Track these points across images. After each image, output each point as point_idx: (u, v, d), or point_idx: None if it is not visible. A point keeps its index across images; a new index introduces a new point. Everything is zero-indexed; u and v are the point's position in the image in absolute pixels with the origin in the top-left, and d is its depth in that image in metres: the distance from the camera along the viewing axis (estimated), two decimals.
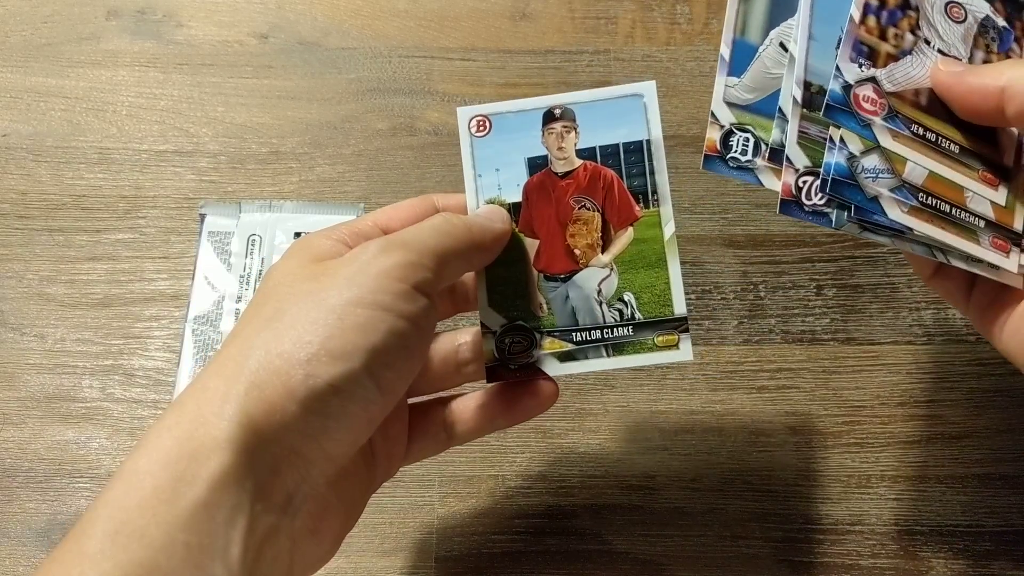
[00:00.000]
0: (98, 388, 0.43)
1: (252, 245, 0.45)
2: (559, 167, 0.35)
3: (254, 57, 0.50)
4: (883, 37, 0.33)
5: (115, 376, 0.43)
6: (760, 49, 0.33)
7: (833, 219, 0.31)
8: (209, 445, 0.24)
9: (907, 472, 0.41)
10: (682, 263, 0.34)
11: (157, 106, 0.49)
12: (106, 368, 0.43)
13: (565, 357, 0.34)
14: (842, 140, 0.31)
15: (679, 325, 0.34)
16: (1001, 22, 0.35)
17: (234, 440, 0.24)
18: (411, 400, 0.35)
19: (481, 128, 0.35)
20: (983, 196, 0.32)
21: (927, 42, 0.33)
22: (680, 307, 0.34)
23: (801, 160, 0.32)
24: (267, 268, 0.44)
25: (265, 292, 0.29)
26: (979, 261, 0.32)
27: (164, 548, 0.23)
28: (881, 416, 0.42)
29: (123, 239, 0.46)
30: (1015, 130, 0.33)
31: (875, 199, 0.31)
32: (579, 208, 0.35)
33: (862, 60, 0.32)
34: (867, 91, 0.32)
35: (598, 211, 0.35)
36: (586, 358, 0.34)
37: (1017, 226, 0.33)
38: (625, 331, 0.34)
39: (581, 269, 0.34)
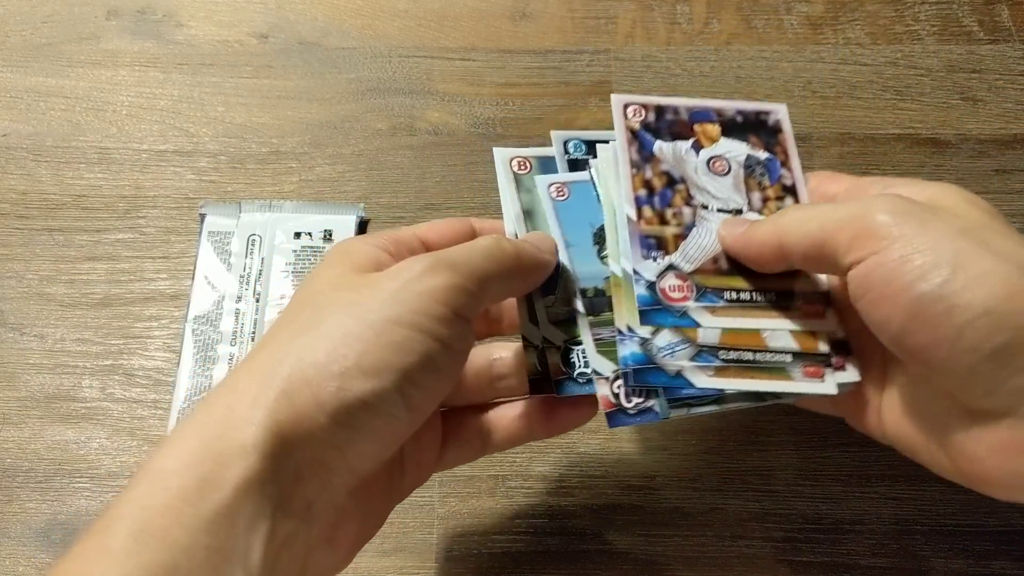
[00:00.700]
0: (98, 388, 0.43)
1: (252, 245, 0.45)
2: None
3: (254, 57, 0.50)
4: (663, 221, 0.33)
5: (115, 376, 0.43)
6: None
7: (659, 410, 0.31)
8: (236, 449, 0.24)
9: (907, 472, 0.41)
10: None
11: (157, 106, 0.49)
12: (106, 368, 0.43)
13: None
14: (628, 328, 0.31)
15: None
16: (762, 155, 0.35)
17: (261, 446, 0.24)
18: (444, 408, 0.35)
19: (560, 194, 0.35)
20: (779, 329, 0.32)
21: (704, 207, 0.33)
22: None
23: (607, 367, 0.31)
24: (265, 266, 0.44)
25: (304, 298, 0.29)
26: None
27: (186, 551, 0.23)
28: None
29: (123, 239, 0.46)
30: None
31: (679, 374, 0.31)
32: None
33: (654, 253, 0.32)
34: (670, 280, 0.32)
35: None
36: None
37: (823, 348, 0.32)
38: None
39: None
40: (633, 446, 0.42)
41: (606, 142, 0.35)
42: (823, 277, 0.33)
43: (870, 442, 0.32)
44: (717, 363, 0.31)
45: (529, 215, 0.35)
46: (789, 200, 0.34)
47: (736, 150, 0.35)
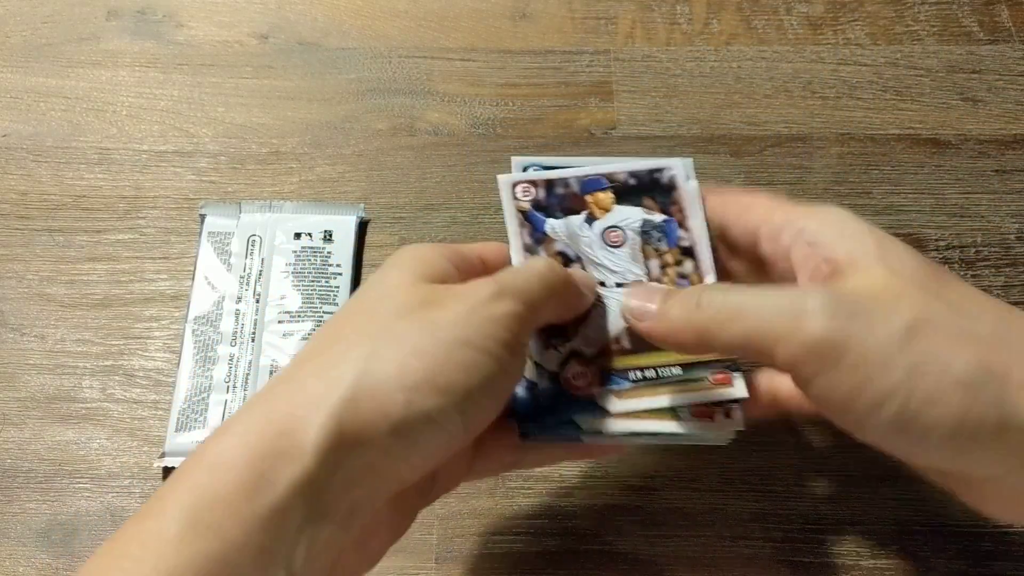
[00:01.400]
0: (98, 388, 0.43)
1: (252, 245, 0.45)
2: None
3: (254, 57, 0.50)
4: None
5: (115, 376, 0.43)
6: None
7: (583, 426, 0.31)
8: (296, 449, 0.25)
9: (907, 472, 0.41)
10: None
11: (157, 106, 0.49)
12: (106, 368, 0.43)
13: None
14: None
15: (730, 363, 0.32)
16: (658, 218, 0.34)
17: (320, 449, 0.25)
18: None
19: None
20: (686, 405, 0.31)
21: (603, 284, 0.33)
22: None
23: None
24: (266, 266, 0.44)
25: (373, 299, 0.29)
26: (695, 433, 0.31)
27: (239, 546, 0.23)
28: None
29: (123, 239, 0.46)
30: None
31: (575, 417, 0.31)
32: None
33: (554, 340, 0.32)
34: (573, 369, 0.32)
35: None
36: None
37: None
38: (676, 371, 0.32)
39: None
40: (633, 446, 0.42)
41: (567, 168, 0.35)
42: None
43: None
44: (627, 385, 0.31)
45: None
46: (688, 263, 0.33)
47: (631, 216, 0.34)
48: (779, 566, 0.39)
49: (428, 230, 0.46)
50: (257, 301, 0.43)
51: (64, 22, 0.51)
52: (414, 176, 0.47)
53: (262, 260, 0.44)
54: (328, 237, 0.45)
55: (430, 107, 0.49)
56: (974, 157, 0.47)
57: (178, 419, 0.41)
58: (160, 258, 0.45)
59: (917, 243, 0.45)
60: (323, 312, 0.43)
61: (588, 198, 0.34)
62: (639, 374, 0.32)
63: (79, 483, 0.41)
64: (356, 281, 0.45)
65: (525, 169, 0.35)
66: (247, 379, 0.42)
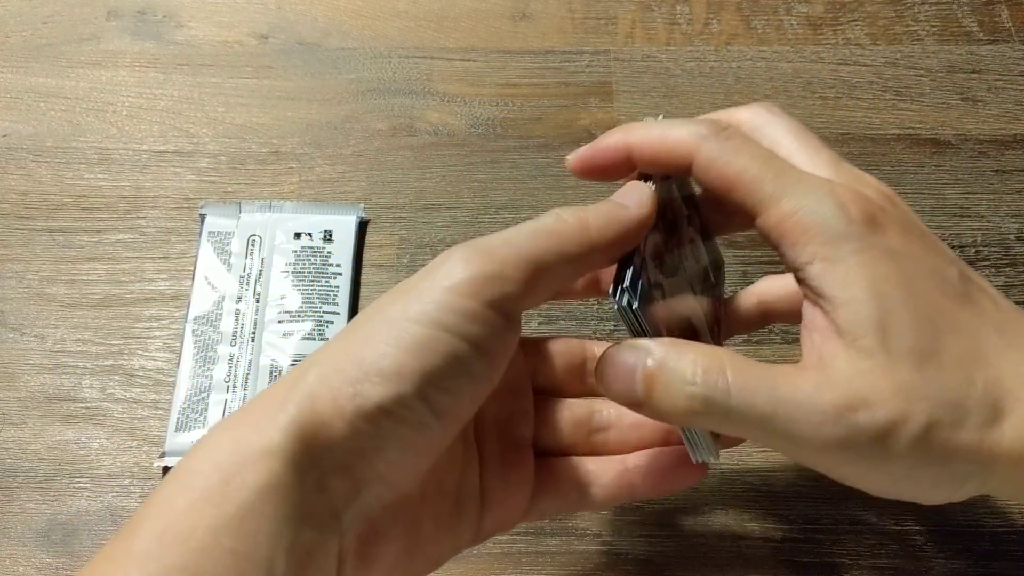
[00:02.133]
0: (98, 388, 0.43)
1: (252, 245, 0.45)
2: None
3: (254, 57, 0.50)
4: None
5: (115, 376, 0.43)
6: None
7: None
8: (260, 452, 0.23)
9: None
10: None
11: (157, 106, 0.49)
12: (106, 368, 0.43)
13: None
14: None
15: None
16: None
17: (284, 451, 0.23)
18: (539, 451, 0.32)
19: None
20: None
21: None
22: None
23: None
24: (265, 266, 0.44)
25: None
26: None
27: (210, 554, 0.22)
28: None
29: (123, 239, 0.46)
30: None
31: None
32: None
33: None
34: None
35: None
36: None
37: None
38: None
39: None
40: None
41: None
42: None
43: None
44: None
45: None
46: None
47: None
48: (779, 566, 0.39)
49: (428, 230, 0.46)
50: (257, 301, 0.44)
51: (64, 22, 0.51)
52: (414, 176, 0.47)
53: (262, 260, 0.45)
54: (328, 237, 0.45)
55: (430, 107, 0.49)
56: (974, 157, 0.47)
57: (178, 419, 0.41)
58: (160, 258, 0.45)
59: None
60: (323, 312, 0.43)
61: None
62: None
63: (79, 483, 0.41)
64: (356, 281, 0.45)
65: None
66: (247, 379, 0.42)
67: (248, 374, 0.42)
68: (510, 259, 0.25)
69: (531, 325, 0.44)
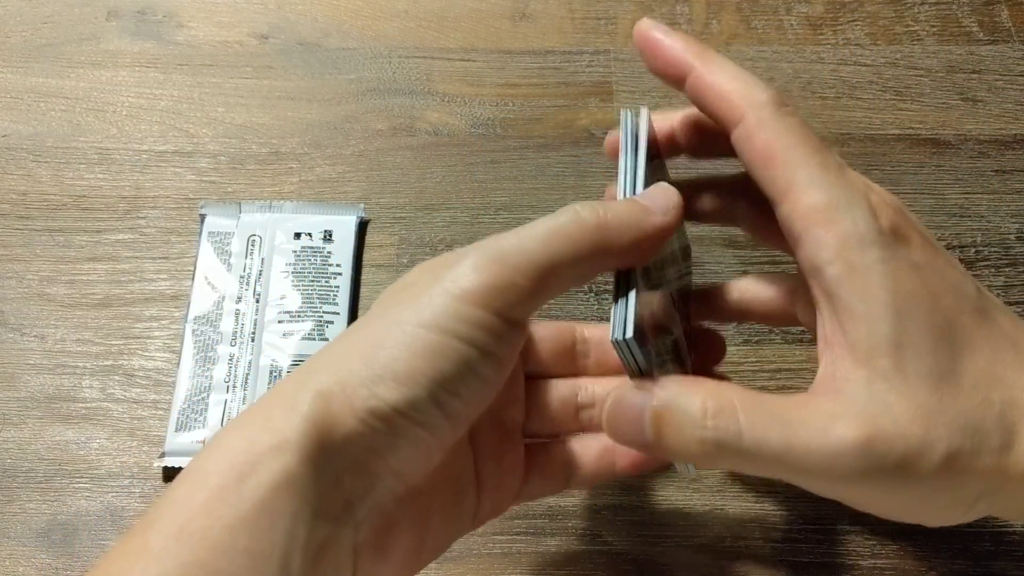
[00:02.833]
0: (98, 388, 0.43)
1: (252, 245, 0.45)
2: None
3: (254, 57, 0.50)
4: None
5: (115, 376, 0.43)
6: None
7: None
8: (273, 449, 0.24)
9: None
10: None
11: (157, 106, 0.49)
12: (106, 368, 0.43)
13: None
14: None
15: None
16: None
17: (298, 447, 0.24)
18: (528, 440, 0.33)
19: None
20: None
21: None
22: None
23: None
24: (265, 266, 0.44)
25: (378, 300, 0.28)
26: None
27: (226, 551, 0.23)
28: None
29: (123, 239, 0.46)
30: None
31: None
32: None
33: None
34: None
35: None
36: None
37: None
38: None
39: None
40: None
41: None
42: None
43: None
44: None
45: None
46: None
47: None
48: (779, 566, 0.39)
49: (428, 230, 0.46)
50: (257, 301, 0.44)
51: (64, 22, 0.51)
52: (414, 176, 0.47)
53: (262, 260, 0.45)
54: (328, 237, 0.45)
55: (430, 107, 0.49)
56: (974, 157, 0.47)
57: (178, 419, 0.41)
58: (160, 258, 0.45)
59: None
60: (323, 312, 0.43)
61: None
62: None
63: (79, 483, 0.41)
64: (356, 281, 0.45)
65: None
66: (247, 379, 0.42)
67: (248, 374, 0.42)
68: (522, 267, 0.25)
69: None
